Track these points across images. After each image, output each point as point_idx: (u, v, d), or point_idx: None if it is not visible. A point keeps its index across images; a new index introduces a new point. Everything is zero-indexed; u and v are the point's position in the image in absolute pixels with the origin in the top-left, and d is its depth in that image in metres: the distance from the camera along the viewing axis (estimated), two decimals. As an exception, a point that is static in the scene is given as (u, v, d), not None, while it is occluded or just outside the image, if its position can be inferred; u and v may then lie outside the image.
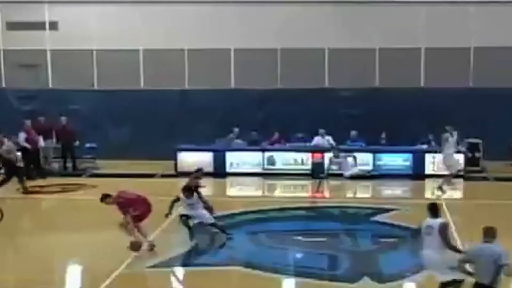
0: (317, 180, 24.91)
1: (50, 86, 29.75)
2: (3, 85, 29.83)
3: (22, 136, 26.17)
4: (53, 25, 30.37)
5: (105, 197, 16.74)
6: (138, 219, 16.77)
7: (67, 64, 29.71)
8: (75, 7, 30.35)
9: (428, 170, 26.18)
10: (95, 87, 29.72)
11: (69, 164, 27.35)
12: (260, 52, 29.27)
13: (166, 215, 17.63)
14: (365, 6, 29.22)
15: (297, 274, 15.59)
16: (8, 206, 21.56)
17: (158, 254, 16.71)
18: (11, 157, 23.60)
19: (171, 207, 17.69)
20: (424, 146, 26.95)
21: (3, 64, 29.96)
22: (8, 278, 15.62)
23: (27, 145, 25.90)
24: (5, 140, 26.60)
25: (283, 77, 29.19)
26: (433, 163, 26.03)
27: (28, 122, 26.45)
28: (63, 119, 27.39)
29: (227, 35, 29.04)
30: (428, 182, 25.53)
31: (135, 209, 16.67)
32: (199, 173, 19.97)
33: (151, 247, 16.86)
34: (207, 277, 15.65)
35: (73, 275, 16.20)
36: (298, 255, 17.22)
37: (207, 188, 20.34)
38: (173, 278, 15.93)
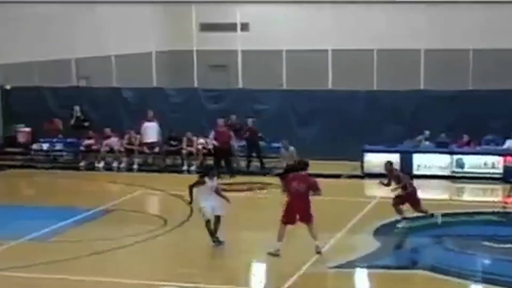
0: (509, 185, 24.09)
1: (240, 86, 30.22)
2: (195, 85, 30.52)
3: (211, 134, 26.82)
4: (244, 26, 30.91)
5: None
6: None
7: (256, 64, 30.15)
8: (265, 8, 30.80)
9: None
10: (284, 87, 29.92)
11: (255, 163, 27.66)
12: (451, 52, 28.61)
13: None
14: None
15: (484, 281, 15.17)
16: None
17: (342, 255, 16.68)
18: None
19: None
20: None
21: (196, 65, 30.64)
22: (193, 273, 15.98)
23: (215, 143, 26.50)
24: (194, 138, 27.44)
25: (475, 78, 28.32)
26: None
27: (220, 121, 27.00)
28: (250, 121, 27.67)
29: (418, 36, 28.46)
30: None
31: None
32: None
33: (318, 251, 16.74)
34: (390, 280, 15.49)
35: (257, 272, 16.44)
36: (486, 261, 16.71)
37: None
38: (355, 280, 15.83)
